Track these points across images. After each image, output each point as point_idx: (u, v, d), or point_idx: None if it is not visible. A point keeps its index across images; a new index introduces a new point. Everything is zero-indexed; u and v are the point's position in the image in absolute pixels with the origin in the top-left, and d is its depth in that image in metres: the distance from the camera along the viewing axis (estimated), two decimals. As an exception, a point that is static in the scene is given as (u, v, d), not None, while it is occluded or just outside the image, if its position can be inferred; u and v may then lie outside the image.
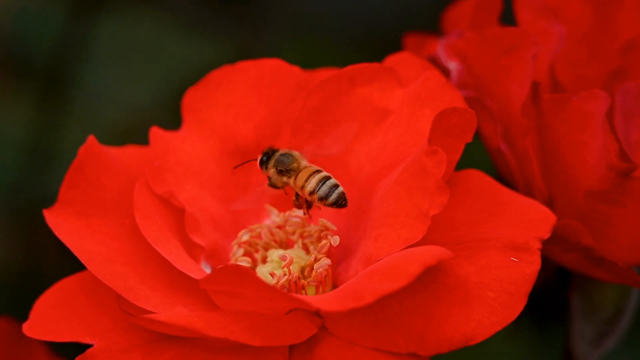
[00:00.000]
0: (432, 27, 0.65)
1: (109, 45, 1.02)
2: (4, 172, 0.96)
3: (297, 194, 0.54)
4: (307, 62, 0.63)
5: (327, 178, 0.53)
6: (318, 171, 0.53)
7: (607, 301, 0.60)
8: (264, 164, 0.55)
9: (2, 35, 1.05)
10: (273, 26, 1.11)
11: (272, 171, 0.54)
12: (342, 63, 0.58)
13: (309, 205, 0.54)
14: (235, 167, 0.56)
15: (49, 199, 0.53)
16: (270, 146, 0.55)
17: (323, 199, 0.53)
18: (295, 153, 0.55)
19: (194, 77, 0.59)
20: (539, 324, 0.83)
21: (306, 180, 0.53)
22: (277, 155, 0.54)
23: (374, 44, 1.07)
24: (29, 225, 0.93)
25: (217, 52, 1.04)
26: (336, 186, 0.53)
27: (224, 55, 1.03)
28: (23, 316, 0.52)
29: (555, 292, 0.61)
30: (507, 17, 0.59)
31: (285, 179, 0.54)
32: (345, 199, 0.52)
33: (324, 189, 0.53)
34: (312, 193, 0.53)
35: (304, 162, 0.54)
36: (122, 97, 1.03)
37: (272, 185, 0.55)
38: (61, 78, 0.94)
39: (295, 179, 0.54)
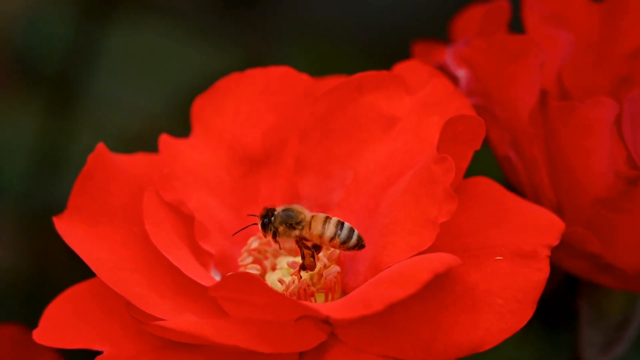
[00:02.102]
0: (441, 33, 0.65)
1: (117, 52, 1.02)
2: (13, 178, 0.96)
3: (303, 250, 0.53)
4: (314, 67, 0.63)
5: (342, 222, 0.52)
6: (328, 217, 0.53)
7: (615, 308, 0.60)
8: (266, 226, 0.53)
9: (11, 43, 1.05)
10: (280, 31, 1.11)
11: (281, 228, 0.53)
12: (349, 68, 0.58)
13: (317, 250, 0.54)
14: (234, 234, 0.55)
15: (58, 206, 0.53)
16: (265, 207, 0.54)
17: (345, 242, 0.52)
18: (295, 206, 0.54)
19: (203, 82, 0.59)
20: (547, 331, 0.83)
21: (323, 227, 0.52)
22: (279, 212, 0.53)
23: (382, 50, 1.07)
24: (38, 231, 0.93)
25: (225, 57, 1.04)
26: (352, 229, 0.52)
27: (232, 60, 1.03)
28: (32, 322, 0.52)
29: (563, 299, 0.61)
30: (516, 25, 0.59)
31: (297, 232, 0.53)
32: (363, 241, 0.52)
33: (345, 233, 0.52)
34: (332, 239, 0.52)
35: (307, 211, 0.53)
36: (130, 103, 1.03)
37: (280, 238, 0.54)
38: (70, 85, 0.94)
39: (310, 228, 0.53)
